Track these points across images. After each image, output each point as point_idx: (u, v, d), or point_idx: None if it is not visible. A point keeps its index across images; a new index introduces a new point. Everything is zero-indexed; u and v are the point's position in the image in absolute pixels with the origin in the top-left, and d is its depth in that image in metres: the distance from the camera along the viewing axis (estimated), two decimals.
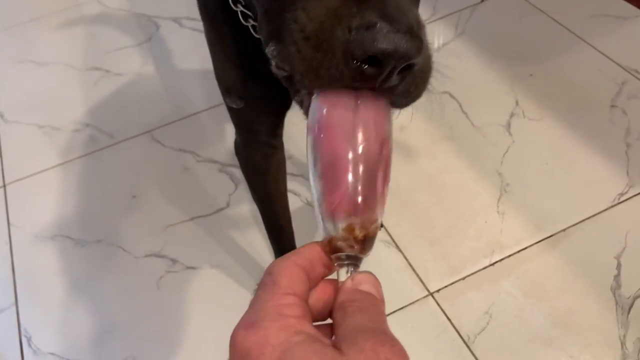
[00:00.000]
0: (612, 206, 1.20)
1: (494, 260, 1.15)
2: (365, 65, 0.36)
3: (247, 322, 0.32)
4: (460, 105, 1.44)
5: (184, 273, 1.21)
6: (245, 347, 0.30)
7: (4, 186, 1.42)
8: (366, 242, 0.38)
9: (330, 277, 0.38)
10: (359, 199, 0.37)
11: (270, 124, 0.78)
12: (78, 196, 1.39)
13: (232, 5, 0.61)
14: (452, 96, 1.46)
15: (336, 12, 0.37)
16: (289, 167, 0.97)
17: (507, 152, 1.33)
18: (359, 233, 0.37)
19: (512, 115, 1.41)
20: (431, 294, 1.12)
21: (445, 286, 1.12)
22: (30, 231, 1.32)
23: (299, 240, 1.09)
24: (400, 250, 1.18)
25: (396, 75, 0.37)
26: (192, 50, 1.72)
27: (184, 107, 1.55)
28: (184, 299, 1.17)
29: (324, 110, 0.39)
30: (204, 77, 1.62)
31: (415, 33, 0.37)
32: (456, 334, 1.06)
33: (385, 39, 0.35)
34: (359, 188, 0.37)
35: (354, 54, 0.36)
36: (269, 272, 0.35)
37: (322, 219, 0.38)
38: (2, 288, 1.22)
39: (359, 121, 0.38)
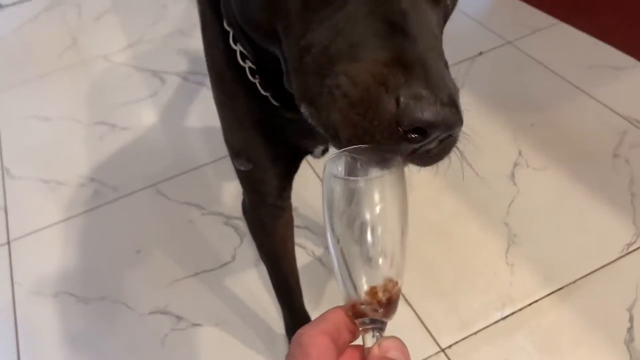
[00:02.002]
0: (621, 257, 1.19)
1: (505, 314, 1.13)
2: (410, 133, 0.37)
3: None
4: (464, 155, 1.44)
5: (189, 330, 1.19)
6: None
7: (9, 243, 1.41)
8: (390, 305, 0.38)
9: (354, 342, 0.38)
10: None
11: (278, 186, 0.78)
12: (82, 252, 1.38)
13: (240, 61, 0.61)
14: (455, 146, 1.47)
15: (382, 78, 0.37)
16: (294, 220, 0.96)
17: (512, 202, 1.33)
18: (382, 296, 0.37)
19: (515, 165, 1.42)
20: (443, 350, 1.09)
21: (457, 342, 1.10)
22: (33, 289, 1.30)
23: (306, 295, 1.07)
24: (409, 304, 1.16)
25: (435, 141, 0.39)
26: (197, 104, 1.74)
27: (189, 160, 1.56)
28: (189, 358, 1.15)
29: (345, 178, 0.38)
30: (208, 130, 1.64)
31: (457, 103, 0.38)
32: None
33: (433, 112, 0.36)
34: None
35: (402, 124, 0.36)
36: (298, 342, 0.34)
37: (344, 283, 0.38)
38: (5, 347, 1.20)
39: (378, 186, 0.38)
